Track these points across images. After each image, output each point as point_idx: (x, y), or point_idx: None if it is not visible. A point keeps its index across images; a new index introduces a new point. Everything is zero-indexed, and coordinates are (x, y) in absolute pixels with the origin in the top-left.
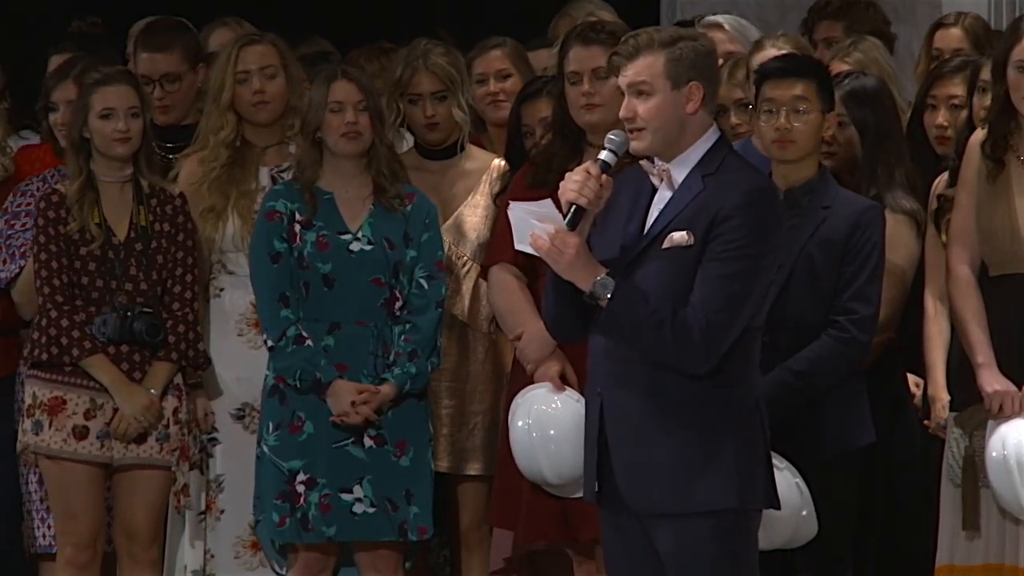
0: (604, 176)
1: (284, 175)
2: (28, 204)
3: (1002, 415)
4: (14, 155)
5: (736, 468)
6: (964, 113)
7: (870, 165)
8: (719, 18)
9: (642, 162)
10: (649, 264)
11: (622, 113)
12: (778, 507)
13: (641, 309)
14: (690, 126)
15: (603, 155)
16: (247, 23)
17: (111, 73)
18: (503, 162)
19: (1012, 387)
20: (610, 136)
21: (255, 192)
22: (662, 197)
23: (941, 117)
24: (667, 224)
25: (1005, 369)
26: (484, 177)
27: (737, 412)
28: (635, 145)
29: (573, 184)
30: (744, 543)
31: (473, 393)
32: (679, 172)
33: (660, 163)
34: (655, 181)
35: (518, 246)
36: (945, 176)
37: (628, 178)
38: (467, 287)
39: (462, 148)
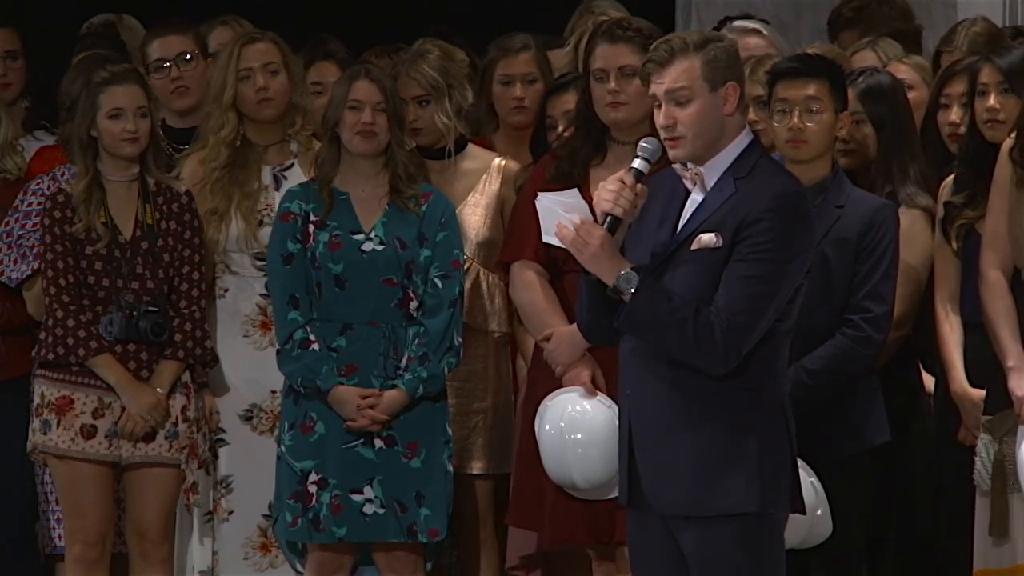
0: (638, 185)
1: (287, 174)
2: (40, 204)
3: None
4: (31, 156)
5: (759, 472)
6: (967, 116)
7: (885, 161)
8: (755, 24)
9: (675, 165)
10: (678, 266)
11: (660, 122)
12: (803, 511)
13: (664, 306)
14: (726, 128)
15: (636, 163)
16: (246, 22)
17: (119, 72)
18: (504, 161)
19: None
20: (643, 144)
21: (258, 192)
22: (694, 200)
23: (953, 115)
24: (697, 227)
25: None
26: (484, 177)
27: (763, 415)
28: (674, 154)
29: (608, 195)
30: (768, 546)
31: (474, 392)
32: (712, 175)
33: (693, 165)
34: (688, 184)
35: (546, 238)
36: (950, 181)
37: (662, 182)
38: (467, 286)
39: (450, 155)
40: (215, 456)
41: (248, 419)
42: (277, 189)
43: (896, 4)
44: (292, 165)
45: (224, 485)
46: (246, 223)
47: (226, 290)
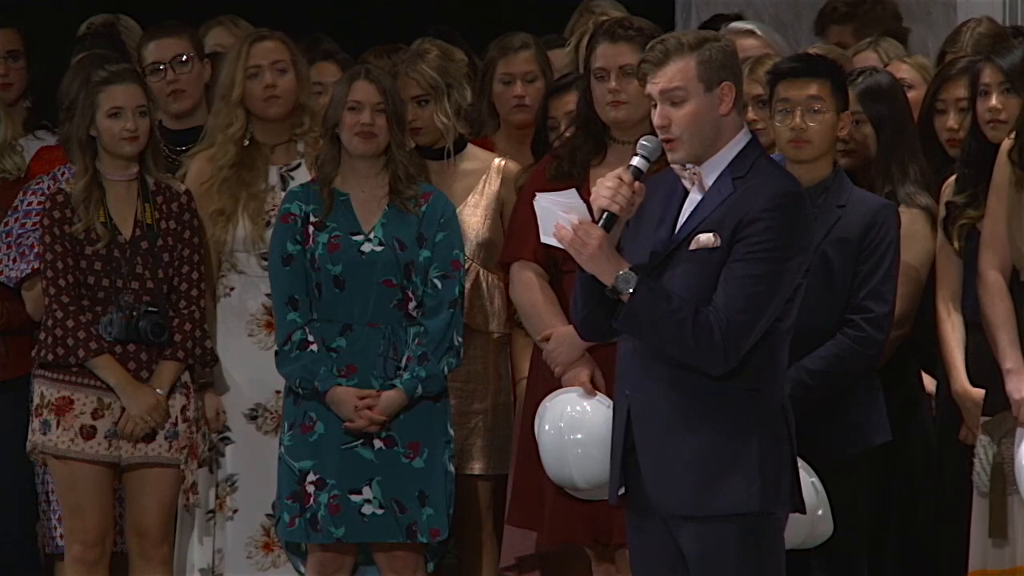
0: (636, 183)
1: (294, 174)
2: (40, 203)
3: None
4: (31, 156)
5: (759, 471)
6: (965, 120)
7: (884, 160)
8: (750, 24)
9: (673, 165)
10: (676, 266)
11: (656, 122)
12: (803, 510)
13: (662, 306)
14: (723, 128)
15: (635, 161)
16: (243, 21)
17: (118, 71)
18: (503, 162)
19: None
20: (642, 142)
21: (265, 193)
22: (693, 200)
23: (951, 120)
24: (696, 226)
25: None
26: (484, 177)
27: (763, 414)
28: (672, 156)
29: (606, 191)
30: (768, 546)
31: (474, 392)
32: (710, 174)
33: (691, 165)
34: (686, 184)
35: (544, 239)
36: (952, 181)
37: (661, 181)
38: (467, 287)
39: (449, 155)
40: (220, 454)
41: (253, 419)
42: (284, 189)
43: (888, 4)
44: (299, 165)
45: (229, 483)
46: (253, 224)
47: (231, 289)
